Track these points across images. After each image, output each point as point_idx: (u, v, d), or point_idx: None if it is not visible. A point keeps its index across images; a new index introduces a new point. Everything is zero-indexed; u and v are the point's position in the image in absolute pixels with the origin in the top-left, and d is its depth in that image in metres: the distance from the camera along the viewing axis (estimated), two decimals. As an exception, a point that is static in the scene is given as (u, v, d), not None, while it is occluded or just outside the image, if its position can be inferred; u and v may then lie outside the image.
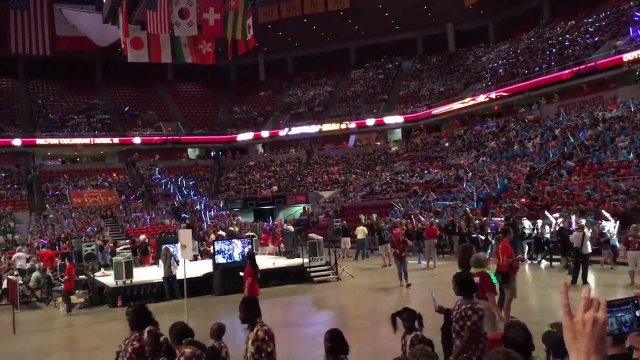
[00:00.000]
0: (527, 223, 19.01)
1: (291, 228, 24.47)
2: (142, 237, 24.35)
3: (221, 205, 38.18)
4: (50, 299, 17.49)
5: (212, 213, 35.59)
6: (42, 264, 20.16)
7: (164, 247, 17.19)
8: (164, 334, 4.74)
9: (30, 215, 34.21)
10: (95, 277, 17.24)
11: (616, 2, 36.77)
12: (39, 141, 41.41)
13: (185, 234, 12.25)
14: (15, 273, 18.97)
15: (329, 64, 54.27)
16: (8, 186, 37.48)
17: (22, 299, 16.40)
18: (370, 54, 53.21)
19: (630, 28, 30.64)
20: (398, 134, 45.09)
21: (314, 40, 51.70)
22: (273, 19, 47.26)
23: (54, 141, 41.86)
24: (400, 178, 34.83)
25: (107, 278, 17.20)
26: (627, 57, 28.18)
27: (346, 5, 46.16)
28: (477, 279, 8.07)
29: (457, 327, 5.18)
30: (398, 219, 25.83)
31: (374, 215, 26.57)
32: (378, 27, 48.72)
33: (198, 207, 36.63)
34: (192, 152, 48.91)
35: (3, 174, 38.67)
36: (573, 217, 17.51)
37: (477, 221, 21.20)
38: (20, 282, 17.38)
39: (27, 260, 21.07)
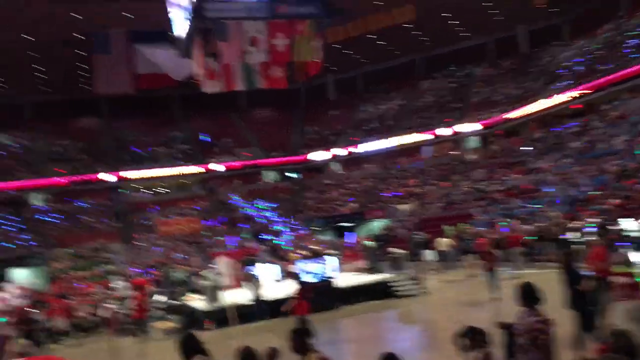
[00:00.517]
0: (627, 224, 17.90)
1: (371, 244, 24.34)
2: (226, 261, 24.93)
3: (300, 225, 38.64)
4: (146, 326, 18.26)
5: (292, 233, 36.09)
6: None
7: (247, 270, 17.63)
8: None
9: (122, 245, 36.03)
10: (185, 302, 17.89)
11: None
12: (126, 174, 43.71)
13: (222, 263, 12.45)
14: (112, 302, 19.98)
15: (398, 77, 54.03)
16: (102, 220, 39.71)
17: (119, 326, 17.23)
18: (440, 63, 52.51)
19: None
20: (474, 141, 44.09)
21: (381, 55, 51.69)
22: (339, 38, 47.69)
23: (139, 174, 44.09)
24: (479, 186, 33.99)
25: (196, 302, 17.77)
26: None
27: (412, 17, 45.90)
28: (623, 279, 7.85)
29: (523, 340, 4.82)
30: (482, 228, 25.18)
31: (462, 225, 25.97)
32: (445, 35, 48.09)
33: (279, 227, 37.26)
34: (269, 175, 49.92)
35: (97, 208, 41.04)
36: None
37: (570, 225, 20.22)
38: (117, 310, 18.31)
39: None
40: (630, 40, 35.02)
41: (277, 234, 36.30)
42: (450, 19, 45.87)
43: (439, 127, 44.49)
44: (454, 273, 22.10)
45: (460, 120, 44.39)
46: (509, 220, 25.32)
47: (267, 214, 40.63)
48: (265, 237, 35.94)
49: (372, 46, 49.50)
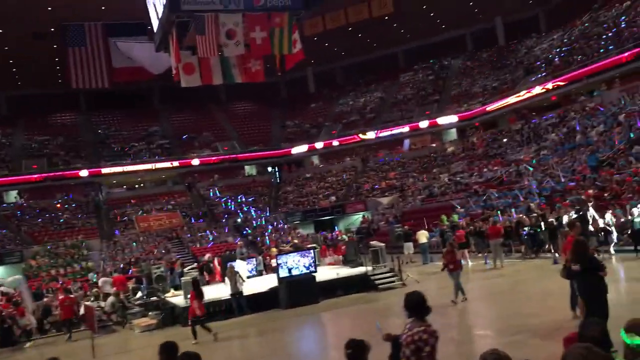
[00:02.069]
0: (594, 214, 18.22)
1: (345, 237, 24.40)
2: (207, 256, 24.89)
3: (281, 219, 38.59)
4: (125, 322, 18.11)
5: (272, 227, 36.03)
6: (115, 288, 20.91)
7: (228, 265, 17.53)
8: None
9: (101, 242, 35.62)
10: (166, 298, 17.74)
11: (675, -23, 35.04)
12: (104, 171, 43.14)
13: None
14: (92, 299, 19.76)
15: (378, 70, 54.13)
16: (79, 216, 39.19)
17: (99, 323, 17.05)
18: (419, 55, 52.69)
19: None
20: (453, 134, 44.36)
21: (361, 48, 51.69)
22: (318, 31, 47.55)
23: (118, 169, 43.55)
24: (459, 178, 34.23)
25: (177, 298, 17.65)
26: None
27: (390, 10, 45.90)
28: None
29: (407, 351, 4.56)
30: (461, 222, 25.35)
31: (455, 216, 26.08)
32: (424, 28, 48.22)
33: (259, 222, 37.16)
34: (249, 169, 49.73)
35: (74, 205, 40.48)
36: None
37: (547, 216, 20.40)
38: (97, 307, 18.11)
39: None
40: (607, 32, 35.42)
41: (258, 228, 36.20)
42: (428, 11, 45.99)
43: (419, 119, 44.65)
44: (434, 265, 22.24)
45: (440, 112, 44.60)
46: (499, 211, 25.24)
47: (247, 208, 40.47)
48: (245, 231, 35.83)
49: (352, 39, 49.46)
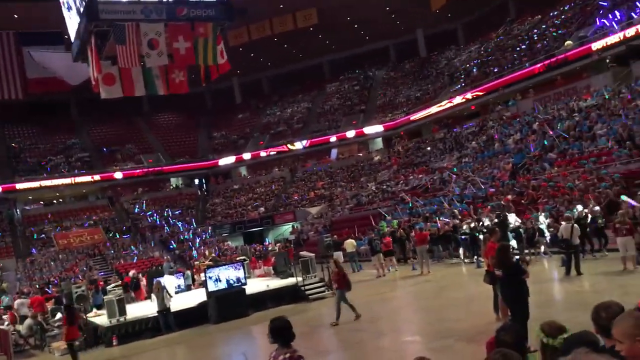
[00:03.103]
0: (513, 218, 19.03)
1: (276, 248, 24.25)
2: (132, 272, 24.01)
3: (209, 231, 37.93)
4: (44, 345, 17.14)
5: (200, 240, 35.34)
6: (33, 310, 19.77)
7: (155, 280, 16.98)
8: None
9: (16, 261, 33.68)
10: (88, 318, 16.96)
11: (579, -7, 37.42)
12: (19, 186, 40.85)
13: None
14: (7, 323, 18.59)
15: (304, 80, 54.52)
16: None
17: (15, 347, 16.05)
18: (344, 66, 53.52)
19: (597, 18, 31.09)
20: (379, 143, 45.25)
21: (286, 58, 51.93)
22: (244, 41, 47.38)
23: (34, 184, 41.35)
24: (385, 187, 34.88)
25: (100, 318, 16.92)
26: (596, 45, 28.58)
27: (315, 21, 46.44)
28: None
29: None
30: (389, 228, 25.75)
31: (395, 222, 26.27)
32: (349, 39, 49.04)
33: (186, 236, 36.35)
34: (175, 182, 48.64)
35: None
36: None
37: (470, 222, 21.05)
38: (13, 331, 17.04)
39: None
40: (520, 44, 37.29)
41: (185, 242, 35.40)
42: (352, 23, 46.84)
43: (345, 129, 45.25)
44: (363, 273, 22.51)
45: (366, 122, 45.40)
46: (426, 218, 25.73)
47: (174, 221, 39.52)
48: (172, 246, 34.97)
49: (277, 49, 49.62)
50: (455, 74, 42.68)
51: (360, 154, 45.09)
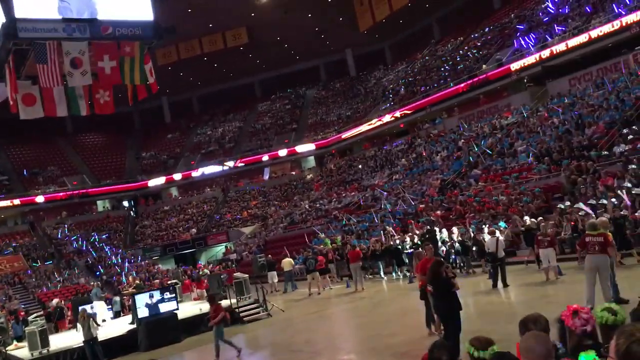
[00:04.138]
0: (445, 233, 19.54)
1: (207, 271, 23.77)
2: (55, 301, 22.84)
3: (139, 255, 36.76)
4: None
5: (130, 265, 34.15)
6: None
7: (80, 309, 16.21)
8: None
9: None
10: (8, 352, 15.98)
11: (498, 17, 39.35)
12: None
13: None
14: None
15: (235, 100, 54.26)
16: None
17: None
18: (275, 85, 53.73)
19: (515, 40, 32.72)
20: (312, 161, 45.52)
21: (217, 78, 51.58)
22: (173, 60, 46.76)
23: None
24: (318, 205, 35.02)
25: (21, 351, 15.97)
26: (514, 66, 30.09)
27: (245, 40, 46.50)
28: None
29: None
30: (322, 246, 25.82)
31: (338, 239, 26.25)
32: (279, 58, 49.35)
33: (114, 260, 35.04)
34: (101, 204, 46.93)
35: None
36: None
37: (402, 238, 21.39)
38: None
39: None
40: (444, 65, 38.66)
41: (113, 267, 34.11)
42: (282, 42, 47.18)
43: (278, 148, 45.26)
44: (298, 292, 22.40)
45: (298, 141, 45.61)
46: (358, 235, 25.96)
47: (101, 245, 38.03)
48: (99, 272, 33.60)
49: (207, 68, 49.28)
50: (384, 93, 43.66)
51: (293, 173, 45.16)
